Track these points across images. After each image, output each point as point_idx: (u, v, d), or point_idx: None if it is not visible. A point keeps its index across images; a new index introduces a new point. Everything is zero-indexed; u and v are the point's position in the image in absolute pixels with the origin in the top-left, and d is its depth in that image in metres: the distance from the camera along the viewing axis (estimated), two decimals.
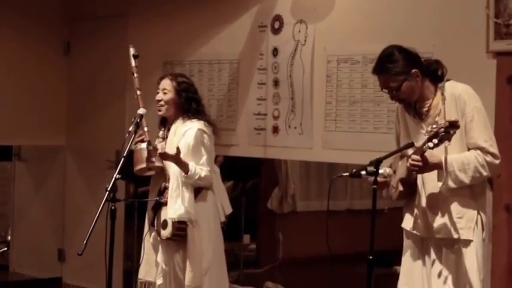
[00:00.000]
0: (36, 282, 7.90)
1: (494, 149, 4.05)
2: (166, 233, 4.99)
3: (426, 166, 4.00)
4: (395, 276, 4.38)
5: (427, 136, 3.90)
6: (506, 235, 4.98)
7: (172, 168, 5.00)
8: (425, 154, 3.96)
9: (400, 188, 4.19)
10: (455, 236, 4.07)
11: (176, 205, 4.94)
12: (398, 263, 4.39)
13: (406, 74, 4.09)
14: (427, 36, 5.30)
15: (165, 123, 5.20)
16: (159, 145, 5.12)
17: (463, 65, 4.97)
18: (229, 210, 5.27)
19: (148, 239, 5.16)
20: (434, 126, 3.90)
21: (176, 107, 5.12)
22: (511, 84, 4.95)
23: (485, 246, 4.17)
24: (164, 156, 4.91)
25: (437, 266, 4.16)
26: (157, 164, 4.99)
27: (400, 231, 4.40)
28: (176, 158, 4.90)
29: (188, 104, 5.12)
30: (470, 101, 4.07)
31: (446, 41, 5.23)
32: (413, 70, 4.10)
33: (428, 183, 4.13)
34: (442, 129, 3.83)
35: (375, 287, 4.04)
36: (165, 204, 5.02)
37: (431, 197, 4.13)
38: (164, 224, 5.00)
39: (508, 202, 4.97)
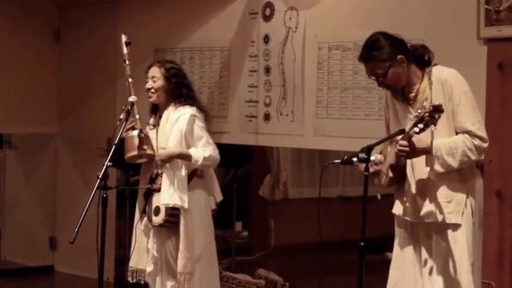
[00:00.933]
0: (27, 270, 7.90)
1: (482, 132, 4.06)
2: (158, 219, 5.00)
3: (413, 151, 4.02)
4: (387, 263, 4.39)
5: (413, 121, 3.93)
6: (497, 221, 5.01)
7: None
8: (413, 139, 3.97)
9: (390, 174, 4.21)
10: (444, 220, 4.09)
11: (170, 191, 4.94)
12: (390, 250, 4.41)
13: (392, 61, 4.11)
14: (419, 23, 5.31)
15: (156, 110, 5.19)
16: (150, 132, 5.11)
17: (454, 51, 4.99)
18: (219, 198, 5.27)
19: (139, 227, 5.16)
20: (419, 111, 3.91)
21: (167, 94, 5.10)
22: (501, 70, 4.97)
23: (475, 231, 4.18)
24: (166, 161, 4.93)
25: (424, 254, 4.18)
26: (149, 151, 4.99)
27: (392, 218, 4.41)
28: (176, 155, 4.91)
29: (178, 89, 5.11)
30: (457, 85, 4.08)
31: (437, 28, 5.24)
32: (399, 56, 4.11)
33: (417, 169, 4.14)
34: (427, 114, 3.84)
35: (367, 273, 4.06)
36: (158, 191, 5.02)
37: (420, 183, 4.15)
38: (156, 211, 5.00)
39: (499, 188, 4.99)
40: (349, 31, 5.78)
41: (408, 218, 4.23)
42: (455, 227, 4.09)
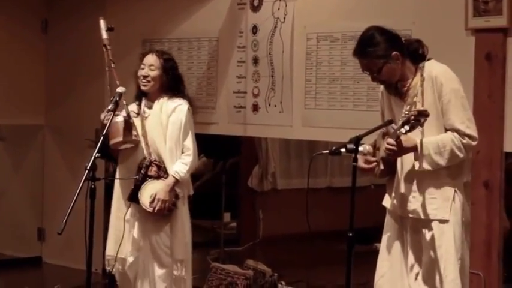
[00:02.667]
0: (16, 262, 7.88)
1: (471, 131, 4.05)
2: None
3: (401, 150, 4.02)
4: (375, 253, 4.40)
5: (401, 121, 3.93)
6: (484, 211, 5.02)
7: (167, 145, 5.01)
8: (401, 138, 3.97)
9: (381, 166, 4.21)
10: (428, 217, 4.09)
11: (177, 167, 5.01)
12: (378, 240, 4.42)
13: (387, 57, 4.09)
14: (407, 14, 5.31)
15: (141, 99, 5.17)
16: (135, 120, 5.10)
17: (443, 42, 4.99)
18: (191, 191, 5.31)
19: (119, 216, 5.11)
20: (406, 112, 3.93)
21: (161, 84, 5.11)
22: (489, 61, 4.98)
23: (463, 225, 4.18)
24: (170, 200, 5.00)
25: (411, 247, 4.18)
26: (134, 138, 4.98)
27: (380, 209, 4.42)
28: (170, 191, 4.99)
29: (173, 81, 5.13)
30: (447, 83, 4.06)
31: (425, 19, 5.24)
32: (394, 53, 4.09)
33: (407, 165, 4.15)
34: (413, 117, 3.85)
35: (355, 263, 4.07)
36: (156, 178, 5.01)
37: (408, 178, 4.15)
38: (154, 197, 4.99)
39: (486, 179, 5.01)
40: (338, 22, 5.78)
41: (396, 212, 4.24)
42: (443, 222, 4.09)
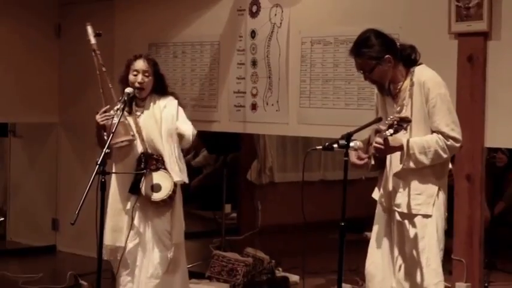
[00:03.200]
0: (31, 250, 7.88)
1: (455, 133, 4.03)
2: (161, 195, 4.96)
3: (388, 149, 4.02)
4: (366, 241, 4.40)
5: (387, 124, 3.94)
6: (466, 202, 5.03)
7: (164, 138, 5.00)
8: (388, 138, 3.97)
9: (372, 161, 4.22)
10: (410, 211, 4.09)
11: (177, 168, 4.97)
12: (369, 229, 4.42)
13: (379, 59, 4.08)
14: (395, 19, 5.31)
15: (131, 100, 5.12)
16: (128, 119, 5.11)
17: (427, 45, 4.97)
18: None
19: (117, 208, 5.09)
20: (391, 116, 3.93)
21: (152, 88, 5.11)
22: (471, 63, 4.98)
23: (445, 220, 4.18)
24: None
25: (396, 238, 4.17)
26: (131, 137, 4.96)
27: (370, 200, 4.43)
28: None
29: (161, 83, 5.14)
30: (434, 88, 4.05)
31: (411, 23, 5.25)
32: (386, 56, 4.08)
33: (394, 162, 4.15)
34: (396, 122, 3.86)
35: (347, 251, 4.06)
36: (154, 170, 5.00)
37: (395, 175, 4.15)
38: (157, 188, 4.97)
39: (468, 172, 5.01)
40: (330, 27, 5.78)
41: (384, 204, 4.25)
42: (426, 216, 4.08)
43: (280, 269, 6.70)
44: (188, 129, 5.04)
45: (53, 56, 7.80)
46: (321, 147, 4.18)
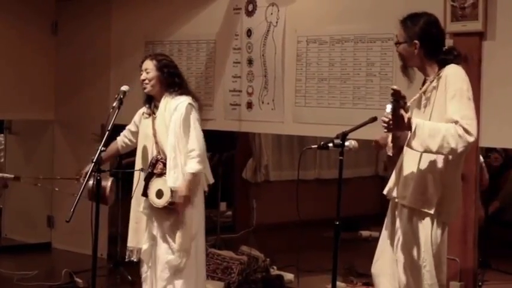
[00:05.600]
0: (26, 247, 7.88)
1: (470, 127, 3.86)
2: (162, 201, 4.93)
3: (395, 125, 3.83)
4: (360, 240, 4.41)
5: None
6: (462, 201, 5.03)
7: (169, 141, 4.97)
8: (399, 115, 3.81)
9: (390, 152, 4.15)
10: (422, 208, 4.01)
11: (175, 174, 4.93)
12: (363, 228, 4.43)
13: (409, 39, 4.04)
14: (391, 18, 5.28)
15: (151, 100, 5.14)
16: (145, 121, 5.09)
17: None
18: (211, 180, 5.24)
19: (137, 209, 5.11)
20: (392, 87, 3.81)
21: (161, 84, 5.05)
22: (466, 63, 4.97)
23: (445, 235, 4.15)
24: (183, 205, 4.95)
25: (399, 234, 4.15)
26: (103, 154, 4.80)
27: (364, 199, 4.43)
28: (187, 193, 4.93)
29: (171, 78, 5.05)
30: (455, 82, 3.94)
31: None
32: (415, 41, 4.04)
33: (407, 161, 4.08)
34: (391, 97, 3.76)
35: (341, 249, 4.07)
36: (158, 175, 4.98)
37: (407, 170, 4.07)
38: (159, 194, 4.95)
39: (463, 172, 5.00)
40: (326, 26, 5.78)
41: (391, 197, 4.18)
42: (430, 214, 4.01)
43: (275, 267, 6.71)
44: (189, 167, 4.94)
45: (50, 53, 7.78)
46: (316, 146, 4.19)
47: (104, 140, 4.65)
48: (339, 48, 5.68)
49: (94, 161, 4.50)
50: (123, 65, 7.04)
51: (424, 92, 4.08)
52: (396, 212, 4.18)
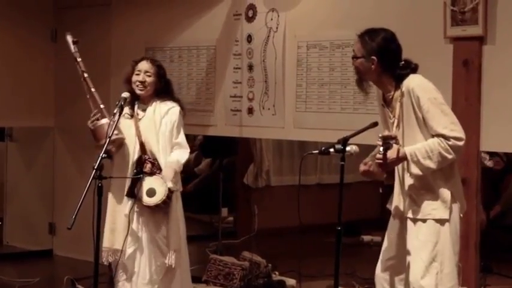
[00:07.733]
0: (28, 254, 7.87)
1: (456, 133, 3.98)
2: (154, 200, 4.95)
3: (390, 163, 3.99)
4: (362, 245, 4.41)
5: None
6: None
7: (160, 144, 5.03)
8: (389, 151, 3.95)
9: (384, 174, 4.19)
10: (429, 217, 4.04)
11: (172, 175, 4.98)
12: (364, 233, 4.43)
13: (367, 55, 4.10)
14: (391, 23, 5.27)
15: (133, 102, 5.17)
16: (127, 121, 5.12)
17: (423, 49, 5.01)
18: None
19: (115, 210, 5.10)
20: (380, 135, 3.98)
21: (154, 89, 5.14)
22: (466, 67, 5.00)
23: (461, 222, 4.16)
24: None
25: (409, 241, 4.14)
26: (120, 135, 5.00)
27: (365, 204, 4.43)
28: (174, 175, 4.99)
29: (166, 87, 5.18)
30: (423, 94, 4.01)
31: (407, 27, 5.24)
32: (373, 57, 4.10)
33: (402, 171, 4.12)
34: (382, 142, 3.93)
35: (343, 254, 4.08)
36: (149, 174, 5.01)
37: (406, 183, 4.11)
38: (151, 193, 4.97)
39: (464, 176, 5.00)
40: (326, 31, 5.79)
41: (397, 212, 4.20)
42: (442, 221, 4.04)
43: (276, 272, 6.71)
44: (179, 157, 5.06)
45: (49, 60, 7.79)
46: (317, 151, 4.20)
47: (104, 147, 4.66)
48: (339, 53, 5.69)
49: (95, 167, 4.51)
50: (123, 70, 7.04)
51: (391, 102, 4.13)
52: (403, 223, 4.17)
